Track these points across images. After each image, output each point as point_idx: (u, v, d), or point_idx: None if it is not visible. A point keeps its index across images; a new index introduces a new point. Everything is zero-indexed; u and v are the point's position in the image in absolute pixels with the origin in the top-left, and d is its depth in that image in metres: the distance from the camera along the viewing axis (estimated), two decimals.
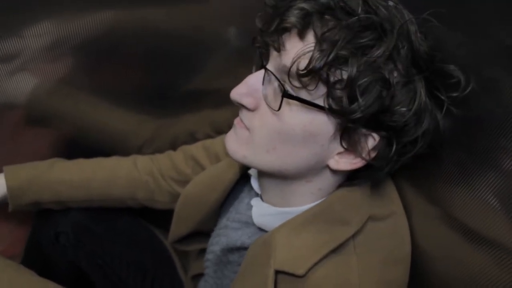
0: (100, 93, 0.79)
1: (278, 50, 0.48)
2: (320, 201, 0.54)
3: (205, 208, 0.68)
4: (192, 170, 0.76)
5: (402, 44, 0.46)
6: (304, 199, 0.55)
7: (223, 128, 0.86)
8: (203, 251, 0.75)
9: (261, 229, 0.59)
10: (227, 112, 0.85)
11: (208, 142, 0.79)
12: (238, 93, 0.50)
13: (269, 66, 0.50)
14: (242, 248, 0.61)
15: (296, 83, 0.46)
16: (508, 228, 0.42)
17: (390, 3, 0.48)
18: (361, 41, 0.44)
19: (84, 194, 0.76)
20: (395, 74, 0.45)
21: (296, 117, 0.48)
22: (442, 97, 0.48)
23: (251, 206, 0.61)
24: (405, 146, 0.49)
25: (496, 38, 0.44)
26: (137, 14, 0.70)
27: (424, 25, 0.49)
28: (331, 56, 0.43)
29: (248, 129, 0.52)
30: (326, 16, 0.45)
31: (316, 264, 0.48)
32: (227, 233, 0.65)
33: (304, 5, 0.46)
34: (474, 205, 0.47)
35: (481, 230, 0.46)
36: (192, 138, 0.86)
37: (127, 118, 0.84)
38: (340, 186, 0.55)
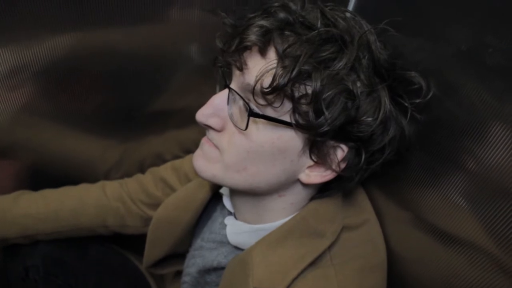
0: (63, 119, 0.76)
1: (241, 69, 0.48)
2: (293, 215, 0.54)
3: (179, 230, 0.67)
4: (162, 192, 0.75)
5: (363, 54, 0.46)
6: (278, 214, 0.55)
7: (190, 147, 0.85)
8: (179, 273, 0.74)
9: (236, 248, 0.59)
10: (193, 130, 0.84)
11: (176, 162, 0.78)
12: (203, 115, 0.50)
13: (233, 85, 0.50)
14: (219, 268, 0.60)
15: (261, 101, 0.46)
16: (476, 227, 0.43)
17: (348, 14, 0.49)
18: (323, 54, 0.44)
19: (53, 226, 0.74)
20: (358, 84, 0.46)
21: (264, 135, 0.47)
22: (406, 104, 0.49)
23: (225, 225, 0.60)
24: (373, 154, 0.50)
25: (452, 43, 0.46)
26: (96, 37, 0.68)
27: (382, 35, 0.50)
28: (294, 72, 0.43)
29: (217, 148, 0.51)
30: (286, 32, 0.46)
31: (295, 279, 0.48)
32: (202, 254, 0.64)
33: (263, 22, 0.46)
34: (442, 206, 0.48)
35: (451, 230, 0.47)
36: (160, 159, 0.85)
37: (92, 143, 0.82)
38: (312, 198, 0.55)
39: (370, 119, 0.46)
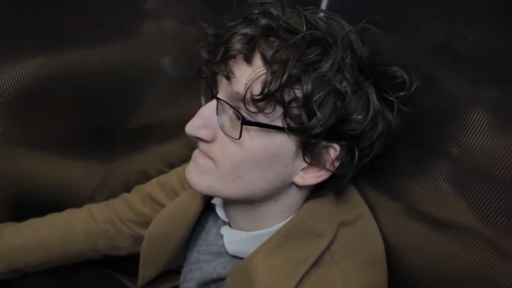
0: (40, 145, 0.74)
1: (228, 78, 0.48)
2: (290, 218, 0.55)
3: (172, 246, 0.67)
4: (151, 210, 0.74)
5: (346, 54, 0.47)
6: (274, 219, 0.55)
7: (174, 161, 0.85)
8: None
9: (235, 257, 0.59)
10: (176, 144, 0.84)
11: (162, 178, 0.77)
12: (193, 127, 0.49)
13: (221, 95, 0.50)
14: (219, 280, 0.60)
15: (253, 108, 0.46)
16: (465, 210, 0.45)
17: (328, 16, 0.50)
18: (309, 57, 0.45)
19: (42, 256, 0.71)
20: (345, 84, 0.46)
21: (257, 141, 0.48)
22: (391, 98, 0.50)
23: (221, 236, 0.60)
24: (363, 150, 0.51)
25: (428, 37, 0.47)
26: (68, 57, 0.67)
27: (362, 33, 0.51)
28: (284, 77, 0.43)
29: (211, 159, 0.51)
30: (271, 38, 0.46)
31: (300, 281, 0.48)
32: (200, 267, 0.63)
33: (246, 30, 0.46)
34: (432, 194, 0.49)
35: (442, 216, 0.48)
36: (145, 177, 0.83)
37: (74, 167, 0.80)
38: (306, 199, 0.55)
39: (360, 116, 0.47)
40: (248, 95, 0.45)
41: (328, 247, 0.51)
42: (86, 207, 0.78)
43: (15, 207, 0.77)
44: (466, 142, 0.44)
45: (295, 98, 0.45)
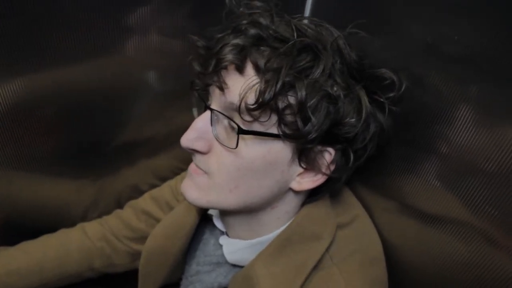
0: (29, 166, 0.73)
1: (222, 89, 0.48)
2: (288, 223, 0.55)
3: (171, 260, 0.66)
4: (146, 224, 0.74)
5: (336, 59, 0.48)
6: (272, 225, 0.55)
7: (166, 175, 0.84)
8: None
9: (235, 266, 0.59)
10: (166, 157, 0.84)
11: (155, 192, 0.77)
12: (188, 139, 0.50)
13: (214, 106, 0.50)
14: None
15: (248, 118, 0.46)
16: (457, 203, 0.46)
17: (316, 23, 0.51)
18: (301, 64, 0.46)
19: (38, 279, 0.70)
20: (336, 88, 0.47)
21: (253, 150, 0.48)
22: (382, 100, 0.51)
23: (219, 246, 0.60)
24: (357, 152, 0.52)
25: (418, 38, 0.48)
26: (55, 75, 0.67)
27: (349, 38, 0.52)
28: (278, 85, 0.44)
29: (206, 173, 0.51)
30: (262, 47, 0.46)
31: (302, 286, 0.49)
32: (200, 279, 0.63)
33: (237, 40, 0.47)
34: (424, 190, 0.50)
35: (436, 211, 0.49)
36: (137, 192, 0.83)
37: (64, 186, 0.79)
38: (303, 204, 0.56)
39: (353, 120, 0.48)
40: (243, 104, 0.45)
41: (327, 249, 0.52)
42: (79, 226, 0.77)
43: (7, 231, 0.75)
44: (455, 139, 0.45)
45: (289, 105, 0.45)
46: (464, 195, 0.45)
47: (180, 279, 0.71)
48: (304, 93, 0.44)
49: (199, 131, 0.50)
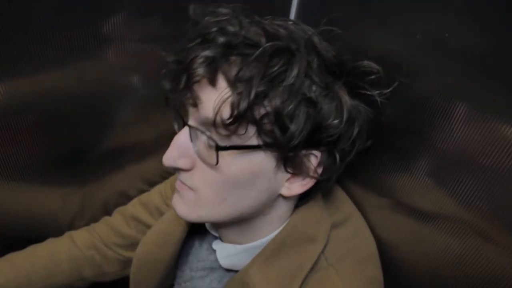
0: (11, 175, 0.71)
1: (195, 105, 0.47)
2: (282, 227, 0.55)
3: (163, 266, 0.65)
4: (136, 231, 0.73)
5: (312, 57, 0.47)
6: (266, 230, 0.55)
7: (154, 179, 0.83)
8: None
9: (228, 270, 0.58)
10: (154, 161, 0.82)
11: (143, 197, 0.76)
12: (170, 158, 0.48)
13: (192, 122, 0.49)
14: None
15: (224, 132, 0.45)
16: (449, 199, 0.46)
17: (288, 22, 0.49)
18: (273, 70, 0.44)
19: None
20: (314, 88, 0.46)
21: (235, 164, 0.47)
22: (369, 93, 0.51)
23: (212, 250, 0.59)
24: (344, 149, 0.51)
25: (408, 33, 0.48)
26: (36, 81, 0.65)
27: (327, 34, 0.52)
28: (251, 96, 0.42)
29: (192, 189, 0.50)
30: (232, 57, 0.45)
31: None
32: (194, 284, 0.62)
33: (206, 52, 0.45)
34: (416, 186, 0.50)
35: (429, 208, 0.49)
36: (125, 198, 0.81)
37: (49, 194, 0.77)
38: (296, 207, 0.56)
39: (336, 121, 0.47)
40: (218, 119, 0.44)
41: (322, 250, 0.52)
42: (67, 235, 0.75)
43: None
44: (448, 135, 0.45)
45: (266, 114, 0.44)
46: (457, 191, 0.45)
47: (172, 285, 0.70)
48: (279, 100, 0.43)
49: (180, 149, 0.49)
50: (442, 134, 0.46)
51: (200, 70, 0.44)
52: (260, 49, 0.44)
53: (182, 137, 0.49)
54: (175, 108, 0.52)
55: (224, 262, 0.58)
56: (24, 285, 0.68)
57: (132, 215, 0.74)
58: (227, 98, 0.43)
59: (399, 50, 0.50)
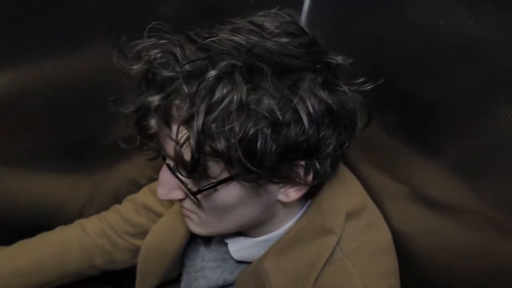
0: (23, 163, 0.71)
1: (161, 154, 0.48)
2: (295, 219, 0.54)
3: (170, 256, 0.66)
4: (146, 219, 0.72)
5: (261, 65, 0.42)
6: (278, 225, 0.54)
7: None
8: None
9: (241, 262, 0.58)
10: None
11: (154, 185, 0.75)
12: (163, 194, 0.50)
13: (169, 161, 0.48)
14: (226, 286, 0.59)
15: (193, 175, 0.44)
16: (468, 191, 0.46)
17: (220, 35, 0.43)
18: (219, 100, 0.40)
19: (38, 279, 0.68)
20: (266, 100, 0.41)
21: (217, 197, 0.47)
22: (343, 89, 0.46)
23: (224, 243, 0.59)
24: (329, 153, 0.47)
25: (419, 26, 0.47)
26: (47, 70, 0.64)
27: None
28: (202, 136, 0.40)
29: (193, 212, 0.51)
30: (178, 96, 0.42)
31: (316, 280, 0.48)
32: (205, 275, 0.62)
33: (154, 99, 0.42)
34: (436, 177, 0.50)
35: (447, 199, 0.49)
36: (136, 186, 0.81)
37: (60, 182, 0.76)
38: (306, 197, 0.53)
39: (304, 136, 0.43)
40: (181, 166, 0.43)
41: (338, 242, 0.51)
42: (77, 223, 0.75)
43: (3, 231, 0.73)
44: (474, 128, 0.44)
45: (228, 146, 0.41)
46: (477, 184, 0.44)
47: (180, 274, 0.70)
48: (235, 130, 0.40)
49: (168, 184, 0.50)
50: (467, 128, 0.45)
51: (153, 123, 0.43)
52: (202, 81, 0.40)
53: (165, 174, 0.49)
54: (151, 149, 0.52)
55: (237, 254, 0.58)
56: (35, 273, 0.68)
57: (142, 203, 0.73)
58: (186, 141, 0.42)
59: (412, 44, 0.49)
